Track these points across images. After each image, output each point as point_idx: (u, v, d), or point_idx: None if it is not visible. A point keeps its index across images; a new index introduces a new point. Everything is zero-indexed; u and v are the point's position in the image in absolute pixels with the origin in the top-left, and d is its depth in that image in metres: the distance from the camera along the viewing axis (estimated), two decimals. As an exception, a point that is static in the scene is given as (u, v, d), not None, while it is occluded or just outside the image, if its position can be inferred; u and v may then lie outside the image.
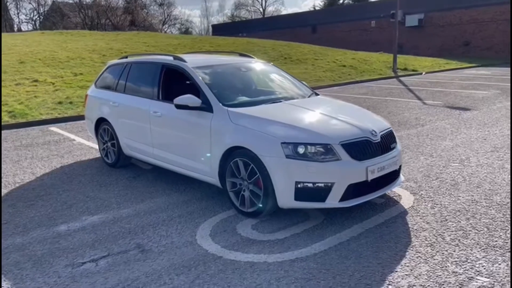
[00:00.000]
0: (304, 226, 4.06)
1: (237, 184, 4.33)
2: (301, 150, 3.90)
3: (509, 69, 21.03)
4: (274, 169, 3.93)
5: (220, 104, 4.54)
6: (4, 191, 5.32)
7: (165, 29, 52.40)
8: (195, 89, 4.89)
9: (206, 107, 4.58)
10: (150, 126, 5.28)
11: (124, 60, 6.14)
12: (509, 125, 8.28)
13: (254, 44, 23.64)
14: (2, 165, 6.46)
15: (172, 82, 5.44)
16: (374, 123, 4.42)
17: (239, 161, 4.24)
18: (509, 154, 6.20)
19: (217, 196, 4.90)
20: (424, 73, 19.90)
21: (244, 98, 4.87)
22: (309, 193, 3.91)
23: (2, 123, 9.37)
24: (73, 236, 4.02)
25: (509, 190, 4.75)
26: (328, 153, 3.90)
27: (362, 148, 4.03)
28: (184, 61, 5.17)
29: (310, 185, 3.88)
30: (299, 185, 3.88)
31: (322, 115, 4.54)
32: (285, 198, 3.95)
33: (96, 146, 7.32)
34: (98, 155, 6.92)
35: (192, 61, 5.20)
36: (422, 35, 32.50)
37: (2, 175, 6.01)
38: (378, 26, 35.96)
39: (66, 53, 17.26)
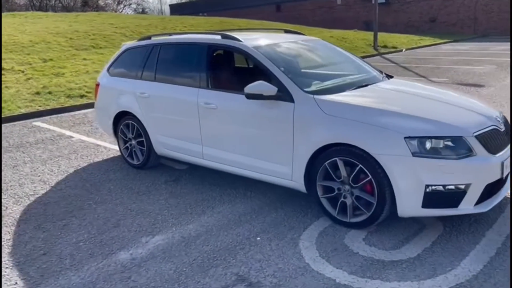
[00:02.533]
0: (428, 238, 3.36)
1: (334, 189, 3.56)
2: (428, 145, 3.17)
3: (485, 43, 21.18)
4: (396, 170, 3.18)
5: (303, 91, 3.71)
6: (19, 208, 4.28)
7: (120, 10, 49.74)
8: (259, 74, 4.04)
9: (283, 95, 3.74)
10: (199, 121, 4.37)
11: (148, 42, 5.13)
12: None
13: (229, 23, 22.51)
14: None
15: (224, 67, 4.55)
16: (489, 108, 3.76)
17: (338, 161, 3.46)
18: None
19: (293, 202, 4.12)
20: (404, 49, 19.62)
21: (325, 83, 4.05)
22: (439, 198, 3.20)
23: (-22, 120, 8.07)
24: (146, 268, 3.14)
25: None
26: (461, 148, 3.19)
27: (493, 139, 3.36)
28: (239, 40, 4.28)
29: (440, 188, 3.17)
30: (428, 189, 3.16)
31: (433, 101, 3.83)
32: (410, 205, 3.23)
33: (104, 144, 6.33)
34: (110, 154, 5.92)
35: (248, 40, 4.31)
36: (388, 12, 32.38)
37: (4, 185, 4.93)
38: (344, 4, 35.54)
39: (28, 36, 15.55)
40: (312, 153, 3.59)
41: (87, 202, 4.39)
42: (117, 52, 5.53)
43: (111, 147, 6.22)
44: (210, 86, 4.34)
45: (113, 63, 5.52)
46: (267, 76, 3.93)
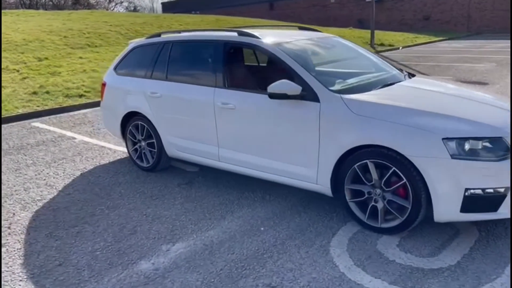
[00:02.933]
0: (465, 244, 3.22)
1: (364, 193, 3.41)
2: (467, 146, 3.02)
3: (480, 41, 21.19)
4: (433, 173, 3.03)
5: (329, 91, 3.55)
6: (26, 214, 4.07)
7: (112, 8, 49.22)
8: (280, 73, 3.87)
9: (308, 95, 3.58)
10: (216, 121, 4.19)
11: (158, 39, 4.93)
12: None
13: (224, 21, 22.28)
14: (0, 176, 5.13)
15: (241, 65, 4.37)
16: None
17: (369, 164, 3.30)
18: None
19: (316, 205, 3.96)
20: (401, 47, 19.55)
21: (349, 81, 3.89)
22: (478, 202, 3.06)
23: (-25, 121, 7.80)
24: (171, 280, 2.96)
25: None
26: (500, 149, 3.05)
27: (530, 140, 3.21)
28: (257, 37, 4.10)
29: (479, 191, 3.02)
30: (467, 193, 3.01)
31: (465, 100, 3.69)
32: (448, 210, 3.08)
33: (108, 145, 6.12)
34: (117, 156, 5.72)
35: (266, 38, 4.13)
36: (382, 10, 32.33)
37: (8, 189, 4.71)
38: (337, 2, 35.45)
39: (21, 35, 15.21)
40: (341, 155, 3.42)
41: (98, 207, 4.18)
42: (124, 51, 5.32)
43: (116, 149, 6.01)
44: (227, 85, 4.16)
45: (120, 62, 5.31)
46: (289, 75, 3.76)
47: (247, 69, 4.88)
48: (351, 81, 3.90)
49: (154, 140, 4.90)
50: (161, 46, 4.83)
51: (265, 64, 4.75)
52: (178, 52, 4.69)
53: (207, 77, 4.30)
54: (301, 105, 3.61)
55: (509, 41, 19.38)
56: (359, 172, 3.38)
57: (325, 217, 3.75)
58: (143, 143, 5.05)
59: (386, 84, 3.89)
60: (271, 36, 4.20)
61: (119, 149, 5.95)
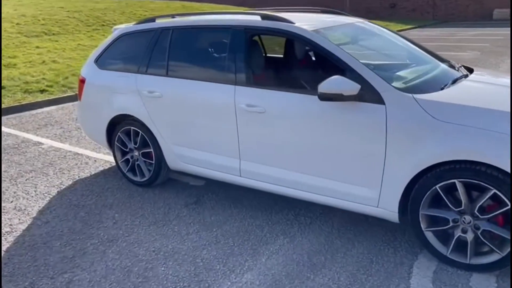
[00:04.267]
0: None
1: (448, 221, 2.67)
2: None
3: (450, 29, 21.12)
4: (553, 198, 2.32)
5: (396, 89, 2.77)
6: (-4, 256, 3.09)
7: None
8: (325, 67, 3.09)
9: (367, 95, 2.79)
10: (238, 128, 3.33)
11: (153, 25, 3.98)
12: None
13: (191, 7, 21.08)
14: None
15: (267, 57, 3.52)
16: None
17: (458, 184, 2.56)
18: None
19: (368, 231, 3.21)
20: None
21: (410, 77, 3.12)
22: None
23: None
24: None
25: None
26: None
27: None
28: (290, 21, 3.26)
29: None
30: None
31: None
32: None
33: (85, 152, 5.18)
34: (99, 167, 4.76)
35: (299, 22, 3.30)
36: (348, -3, 31.91)
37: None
38: (303, -11, 34.70)
39: (-34, 22, 13.60)
40: (416, 172, 2.66)
41: (89, 241, 3.26)
42: (108, 39, 4.33)
43: (96, 157, 5.02)
44: (252, 83, 3.30)
45: (103, 53, 4.32)
46: (338, 69, 2.96)
47: (278, 62, 4.04)
48: (412, 77, 3.13)
49: (151, 150, 3.98)
50: (158, 34, 3.89)
51: (300, 56, 3.90)
52: (181, 41, 3.77)
53: (224, 73, 3.42)
54: (359, 108, 2.82)
55: (481, 29, 19.35)
56: (442, 194, 2.64)
57: (386, 247, 3.00)
58: (136, 153, 4.11)
59: (454, 80, 3.15)
60: (304, 21, 3.36)
61: (100, 157, 4.97)
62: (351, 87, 2.76)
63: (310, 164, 3.10)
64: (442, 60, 3.67)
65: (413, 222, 2.80)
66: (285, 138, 3.15)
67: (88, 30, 14.52)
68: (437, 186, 2.64)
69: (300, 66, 3.93)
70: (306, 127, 3.03)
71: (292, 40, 3.49)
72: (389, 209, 2.85)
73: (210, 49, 3.67)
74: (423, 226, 2.77)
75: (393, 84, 2.83)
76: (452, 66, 3.55)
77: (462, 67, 3.64)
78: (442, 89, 2.90)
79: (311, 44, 3.11)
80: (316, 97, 2.91)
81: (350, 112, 2.85)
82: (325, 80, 2.80)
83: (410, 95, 2.74)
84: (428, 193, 2.68)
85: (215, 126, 3.49)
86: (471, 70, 3.59)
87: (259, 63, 3.55)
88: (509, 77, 3.51)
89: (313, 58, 4.16)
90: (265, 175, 3.35)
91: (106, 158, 4.92)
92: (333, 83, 2.78)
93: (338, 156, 2.96)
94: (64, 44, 12.42)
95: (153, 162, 4.01)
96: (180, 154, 3.82)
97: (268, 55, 4.51)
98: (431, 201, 2.71)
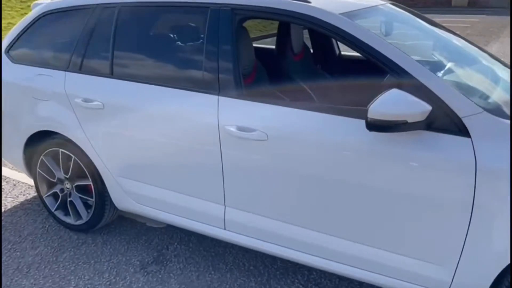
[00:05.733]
0: None
1: None
2: None
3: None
4: None
5: (484, 111, 1.71)
6: None
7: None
8: (361, 71, 1.99)
9: (438, 120, 1.71)
10: (223, 161, 2.18)
11: (90, 0, 2.70)
12: None
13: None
14: None
15: (265, 52, 2.36)
16: None
17: None
18: None
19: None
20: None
21: (486, 91, 2.07)
22: None
23: None
24: None
25: None
26: None
27: None
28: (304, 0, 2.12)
29: None
30: None
31: None
32: None
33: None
34: (19, 195, 3.48)
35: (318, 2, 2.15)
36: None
37: None
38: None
39: None
40: (525, 250, 1.63)
41: None
42: (25, 19, 3.01)
43: (17, 178, 3.71)
44: (245, 93, 2.15)
45: (17, 39, 3.00)
46: (390, 77, 1.86)
47: (282, 63, 2.88)
48: (488, 88, 2.08)
49: (90, 182, 2.74)
50: (98, 14, 2.63)
51: (320, 54, 2.76)
52: (133, 25, 2.55)
53: (200, 76, 2.24)
54: (425, 143, 1.74)
55: (444, 16, 18.91)
56: None
57: None
58: (68, 185, 2.86)
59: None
60: (317, 2, 2.21)
61: (23, 179, 3.66)
62: (419, 109, 1.68)
63: (341, 224, 2.01)
64: (494, 58, 2.65)
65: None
66: (298, 181, 2.03)
67: (23, 6, 12.63)
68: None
69: (321, 69, 2.81)
70: (336, 169, 1.91)
71: (309, 29, 2.35)
72: (471, 299, 1.81)
73: (178, 39, 2.47)
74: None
75: (477, 102, 1.77)
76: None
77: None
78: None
79: (340, 35, 1.97)
80: (354, 121, 1.82)
81: (411, 149, 1.77)
82: (378, 99, 1.70)
83: (508, 121, 1.69)
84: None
85: (187, 156, 2.31)
86: None
87: (254, 62, 2.39)
88: None
89: (338, 56, 3.06)
90: (265, 232, 2.22)
91: (25, 180, 3.62)
92: (393, 103, 1.68)
93: (386, 216, 1.88)
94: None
95: (93, 199, 2.78)
96: (132, 192, 2.62)
97: (268, 49, 3.37)
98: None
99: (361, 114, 1.83)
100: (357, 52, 1.97)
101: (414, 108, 1.68)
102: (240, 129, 2.09)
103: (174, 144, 2.32)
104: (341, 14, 2.07)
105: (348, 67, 3.17)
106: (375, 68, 2.09)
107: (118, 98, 2.47)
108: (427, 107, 1.69)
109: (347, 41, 1.94)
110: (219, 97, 2.18)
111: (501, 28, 13.64)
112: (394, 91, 1.71)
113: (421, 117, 1.69)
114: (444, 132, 1.74)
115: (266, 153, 2.07)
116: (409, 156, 1.77)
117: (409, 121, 1.68)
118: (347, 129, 1.86)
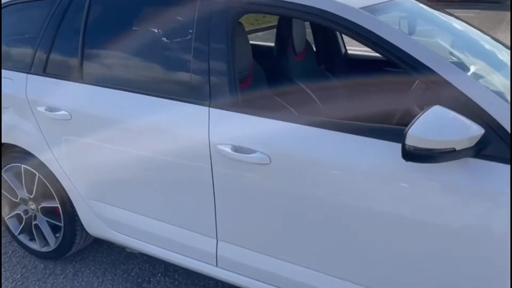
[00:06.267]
0: None
1: None
2: None
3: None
4: None
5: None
6: None
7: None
8: (383, 81, 1.59)
9: (491, 146, 1.33)
10: (214, 187, 1.79)
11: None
12: None
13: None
14: None
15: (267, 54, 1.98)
16: None
17: None
18: None
19: None
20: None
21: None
22: None
23: None
24: None
25: None
26: None
27: None
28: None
29: None
30: None
31: None
32: None
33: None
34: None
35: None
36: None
37: None
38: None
39: None
40: None
41: None
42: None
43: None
44: (240, 105, 1.75)
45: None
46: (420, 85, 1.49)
47: (285, 65, 2.48)
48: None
49: (57, 204, 2.33)
50: (65, 5, 2.20)
51: (332, 57, 2.35)
52: (108, 18, 2.13)
53: (187, 82, 1.83)
54: (473, 173, 1.35)
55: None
56: None
57: None
58: (33, 206, 2.44)
59: None
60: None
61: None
62: (470, 133, 1.30)
63: (360, 268, 1.62)
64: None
65: None
66: (307, 215, 1.64)
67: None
68: None
69: (327, 70, 2.41)
70: (362, 201, 1.53)
71: (321, 26, 1.95)
72: None
73: (162, 37, 2.06)
74: None
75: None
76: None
77: None
78: None
79: (361, 35, 1.57)
80: (381, 143, 1.43)
81: (454, 180, 1.38)
82: (418, 121, 1.31)
83: None
84: None
85: (170, 180, 1.91)
86: None
87: (252, 65, 1.99)
88: None
89: (344, 55, 2.67)
90: (267, 273, 1.83)
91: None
92: (438, 126, 1.29)
93: (423, 261, 1.50)
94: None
95: (61, 224, 2.36)
96: (105, 217, 2.21)
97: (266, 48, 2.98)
98: None
99: (388, 135, 1.45)
100: (384, 55, 1.57)
101: (464, 132, 1.30)
102: (237, 149, 1.69)
103: (155, 164, 1.92)
104: (362, 8, 1.68)
105: (356, 68, 2.79)
106: (388, 69, 1.71)
107: (89, 107, 2.06)
108: (479, 130, 1.31)
109: (371, 42, 1.54)
110: (210, 108, 1.77)
111: (496, 23, 13.36)
112: (437, 110, 1.33)
113: (471, 143, 1.31)
114: (496, 160, 1.37)
115: (268, 180, 1.68)
116: (452, 189, 1.39)
117: (457, 148, 1.30)
118: (374, 153, 1.48)
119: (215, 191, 1.81)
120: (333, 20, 1.60)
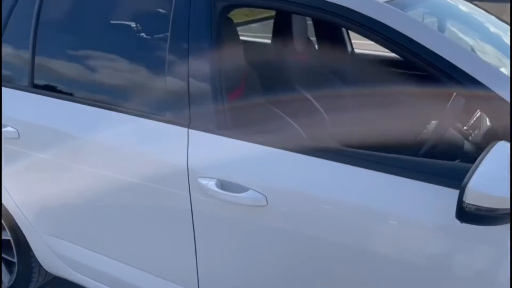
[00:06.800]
0: None
1: None
2: None
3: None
4: None
5: None
6: None
7: None
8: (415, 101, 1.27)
9: None
10: (195, 230, 1.41)
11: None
12: None
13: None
14: None
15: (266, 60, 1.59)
16: None
17: None
18: None
19: None
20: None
21: None
22: None
23: None
24: None
25: None
26: None
27: None
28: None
29: None
30: None
31: None
32: None
33: None
34: None
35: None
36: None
37: None
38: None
39: None
40: None
41: None
42: None
43: None
44: (229, 125, 1.35)
45: None
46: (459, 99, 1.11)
47: (286, 68, 2.08)
48: None
49: (9, 238, 1.93)
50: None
51: (347, 65, 1.94)
52: (66, 12, 1.71)
53: (160, 93, 1.43)
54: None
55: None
56: None
57: None
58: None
59: None
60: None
61: None
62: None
63: None
64: None
65: None
66: (315, 271, 1.26)
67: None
68: None
69: (331, 73, 2.01)
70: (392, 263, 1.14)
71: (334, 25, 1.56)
72: None
73: (132, 36, 1.65)
74: None
75: None
76: None
77: None
78: None
79: (391, 38, 1.17)
80: (424, 185, 1.04)
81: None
82: (481, 166, 0.90)
83: None
84: None
85: (141, 216, 1.51)
86: None
87: (244, 71, 1.59)
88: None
89: (351, 55, 2.27)
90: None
91: None
92: (505, 174, 0.89)
93: None
94: None
95: (15, 260, 1.97)
96: (63, 255, 1.81)
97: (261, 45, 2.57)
98: None
99: (434, 175, 1.06)
100: (417, 63, 1.17)
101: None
102: (223, 185, 1.29)
103: (121, 195, 1.52)
104: (387, 2, 1.28)
105: (366, 71, 2.39)
106: (404, 71, 1.34)
107: (41, 123, 1.65)
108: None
109: (408, 52, 1.14)
110: (190, 130, 1.37)
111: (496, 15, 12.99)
112: (503, 149, 0.93)
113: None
114: None
115: (264, 227, 1.28)
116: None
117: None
118: (412, 198, 1.09)
119: (195, 233, 1.41)
120: (349, 19, 1.20)
